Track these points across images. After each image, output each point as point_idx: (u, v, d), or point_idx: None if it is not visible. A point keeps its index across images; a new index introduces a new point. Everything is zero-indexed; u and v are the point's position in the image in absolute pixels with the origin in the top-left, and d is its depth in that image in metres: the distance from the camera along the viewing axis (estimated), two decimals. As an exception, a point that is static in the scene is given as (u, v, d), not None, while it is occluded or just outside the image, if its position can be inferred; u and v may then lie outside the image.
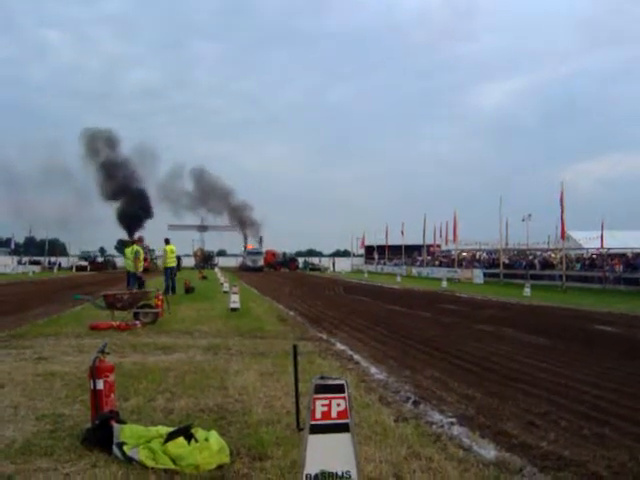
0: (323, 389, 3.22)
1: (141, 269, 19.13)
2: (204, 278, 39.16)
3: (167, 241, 23.00)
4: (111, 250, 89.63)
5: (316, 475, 3.16)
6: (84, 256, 72.29)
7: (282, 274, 61.12)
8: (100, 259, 74.85)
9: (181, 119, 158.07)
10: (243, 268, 70.16)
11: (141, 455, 4.26)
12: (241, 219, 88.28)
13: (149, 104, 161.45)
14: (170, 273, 22.10)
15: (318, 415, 3.19)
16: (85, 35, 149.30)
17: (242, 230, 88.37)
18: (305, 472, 3.16)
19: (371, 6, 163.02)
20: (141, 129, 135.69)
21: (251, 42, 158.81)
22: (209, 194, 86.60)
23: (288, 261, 77.80)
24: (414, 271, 58.30)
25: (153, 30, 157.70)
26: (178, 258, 29.85)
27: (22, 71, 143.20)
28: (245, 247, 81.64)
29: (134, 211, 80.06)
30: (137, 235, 21.51)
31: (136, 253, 18.63)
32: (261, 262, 71.01)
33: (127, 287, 18.50)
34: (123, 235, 79.16)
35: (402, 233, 65.48)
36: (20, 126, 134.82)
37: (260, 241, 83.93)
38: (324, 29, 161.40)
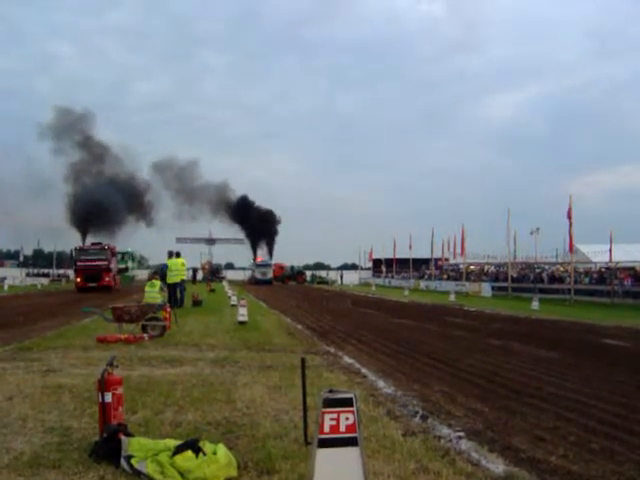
0: (332, 403, 3.21)
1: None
2: (212, 291, 39.19)
3: (170, 254, 22.28)
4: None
5: (324, 489, 3.15)
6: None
7: (290, 287, 60.96)
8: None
9: (189, 131, 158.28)
10: (252, 281, 68.72)
11: (149, 468, 4.26)
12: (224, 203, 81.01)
13: (156, 116, 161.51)
14: (175, 288, 21.24)
15: (326, 429, 3.19)
16: (92, 46, 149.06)
17: (248, 236, 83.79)
18: (313, 486, 3.16)
19: (377, 17, 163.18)
20: (148, 141, 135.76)
21: (259, 52, 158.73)
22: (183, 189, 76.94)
23: (296, 274, 77.45)
24: (422, 284, 58.12)
25: (160, 41, 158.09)
26: (194, 271, 31.07)
27: (27, 83, 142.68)
28: (254, 259, 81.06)
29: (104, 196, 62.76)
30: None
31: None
32: (270, 274, 69.99)
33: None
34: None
35: (410, 246, 65.43)
36: (23, 138, 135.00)
37: (270, 255, 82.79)
38: (332, 39, 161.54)
